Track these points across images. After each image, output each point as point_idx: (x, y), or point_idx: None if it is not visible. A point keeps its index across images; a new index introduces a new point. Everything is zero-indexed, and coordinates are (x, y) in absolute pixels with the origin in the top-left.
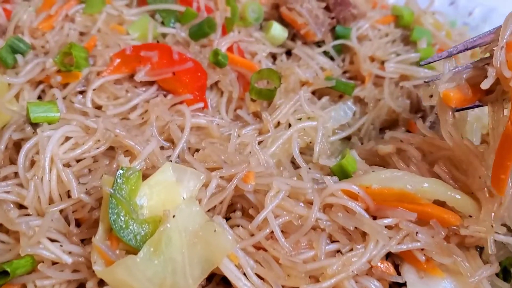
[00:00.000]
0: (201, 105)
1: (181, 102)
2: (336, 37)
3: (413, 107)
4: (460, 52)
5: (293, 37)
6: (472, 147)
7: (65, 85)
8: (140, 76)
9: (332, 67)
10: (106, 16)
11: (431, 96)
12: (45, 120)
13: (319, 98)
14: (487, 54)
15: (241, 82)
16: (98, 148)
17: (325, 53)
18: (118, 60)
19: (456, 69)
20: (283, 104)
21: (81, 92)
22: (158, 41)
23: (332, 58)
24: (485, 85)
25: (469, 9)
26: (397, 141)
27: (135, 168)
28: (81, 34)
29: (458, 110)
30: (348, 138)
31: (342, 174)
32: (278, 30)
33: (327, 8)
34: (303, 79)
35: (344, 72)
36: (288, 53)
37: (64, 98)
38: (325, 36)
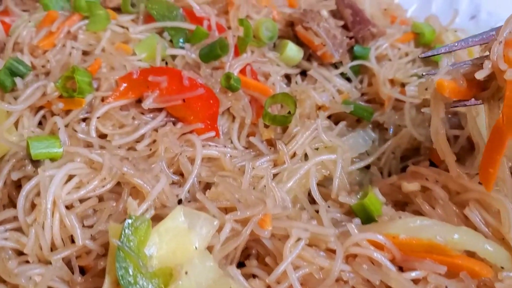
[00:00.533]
0: (212, 134)
1: (191, 131)
2: (354, 57)
3: None
4: (460, 49)
5: (308, 57)
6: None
7: (67, 111)
8: (148, 104)
9: (349, 89)
10: (111, 33)
11: (427, 89)
12: (47, 156)
13: (336, 122)
14: (487, 53)
15: (253, 106)
16: (104, 187)
17: (342, 74)
18: (124, 85)
19: (455, 64)
20: (299, 133)
21: (85, 119)
22: (166, 62)
23: (349, 79)
24: (479, 75)
25: (491, 24)
26: (421, 178)
27: (145, 217)
28: (84, 53)
29: (453, 107)
30: (367, 167)
31: (364, 214)
32: (293, 51)
33: (345, 27)
34: (319, 103)
35: (362, 95)
36: (303, 73)
37: (66, 125)
38: (343, 57)
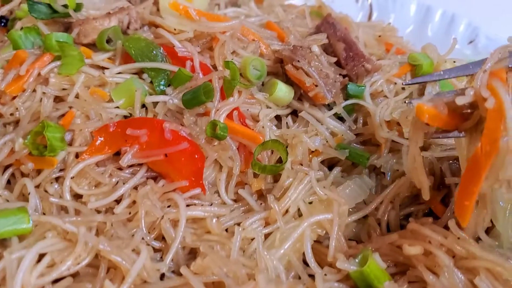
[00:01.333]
0: (197, 191)
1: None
2: (347, 95)
3: (435, 182)
4: (445, 78)
5: (299, 96)
6: None
7: (38, 170)
8: (126, 161)
9: (343, 131)
10: (86, 76)
11: (407, 117)
12: (15, 233)
13: (329, 164)
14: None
15: (242, 152)
16: (79, 264)
17: (335, 113)
18: (100, 139)
19: (440, 93)
20: (292, 187)
21: (58, 178)
22: (146, 108)
23: (342, 118)
24: (460, 100)
25: (490, 49)
26: (424, 239)
27: None
28: (57, 98)
29: (434, 137)
30: (364, 216)
31: (364, 283)
32: (283, 92)
33: (337, 62)
34: (312, 148)
35: (357, 135)
36: (294, 112)
37: (37, 186)
38: (336, 97)
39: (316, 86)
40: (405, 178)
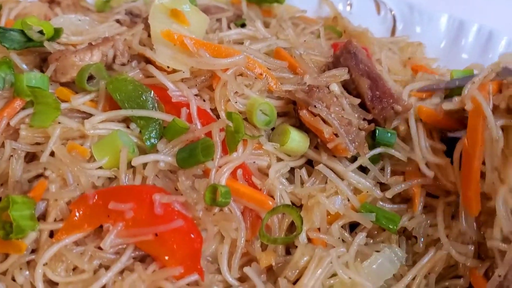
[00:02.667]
0: (194, 277)
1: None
2: (374, 141)
3: (476, 251)
4: (444, 88)
5: (316, 144)
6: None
7: (6, 254)
8: (108, 243)
9: (369, 188)
10: (63, 128)
11: None
12: None
13: (351, 224)
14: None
15: (247, 215)
16: None
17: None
18: (78, 213)
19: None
20: (309, 270)
21: (29, 262)
22: (133, 167)
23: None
24: (445, 106)
25: None
26: None
27: None
28: (29, 154)
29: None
30: None
31: None
32: (297, 142)
33: (361, 104)
34: (331, 211)
35: (381, 184)
36: (309, 161)
37: (4, 273)
38: (360, 148)
39: (337, 136)
40: (441, 253)
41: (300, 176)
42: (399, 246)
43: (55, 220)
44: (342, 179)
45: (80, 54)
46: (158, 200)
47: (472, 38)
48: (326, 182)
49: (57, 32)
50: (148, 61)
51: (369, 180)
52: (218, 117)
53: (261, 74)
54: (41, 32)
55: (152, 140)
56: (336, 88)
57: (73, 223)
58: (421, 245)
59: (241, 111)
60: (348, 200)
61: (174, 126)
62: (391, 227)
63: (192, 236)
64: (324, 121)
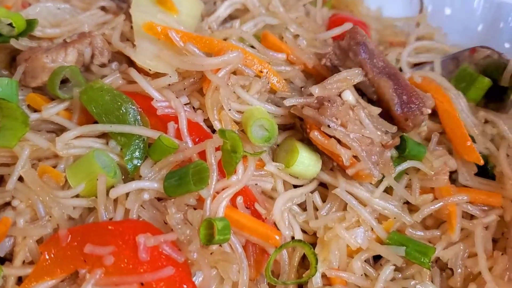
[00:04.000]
0: None
1: None
2: (398, 151)
3: None
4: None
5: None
6: None
7: None
8: None
9: (397, 214)
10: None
11: None
12: None
13: (374, 258)
14: None
15: (250, 250)
16: None
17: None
18: (50, 256)
19: None
20: None
21: None
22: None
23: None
24: None
25: None
26: None
27: None
28: None
29: None
30: None
31: None
32: (306, 166)
33: (383, 113)
34: (353, 247)
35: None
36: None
37: None
38: (386, 170)
39: (357, 159)
40: None
41: (313, 201)
42: (432, 281)
43: (23, 263)
44: (364, 205)
45: (53, 54)
46: (142, 243)
47: None
48: (344, 208)
49: (30, 25)
50: (131, 60)
51: (396, 203)
52: (213, 130)
53: (261, 72)
54: (11, 25)
55: (135, 162)
56: (350, 96)
57: (43, 268)
58: (458, 279)
59: (238, 121)
60: (372, 230)
61: (160, 145)
62: (424, 261)
63: (185, 287)
64: (339, 141)
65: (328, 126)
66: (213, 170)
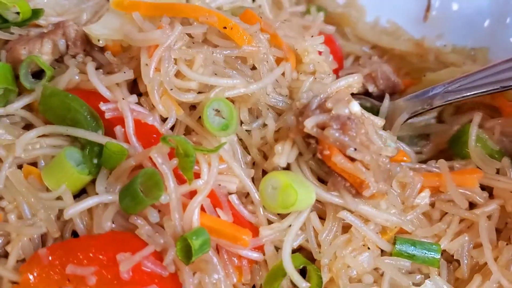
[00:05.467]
0: None
1: None
2: None
3: None
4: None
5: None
6: None
7: None
8: None
9: (398, 223)
10: None
11: None
12: None
13: None
14: None
15: (224, 256)
16: None
17: None
18: (33, 276)
19: None
20: None
21: None
22: None
23: None
24: None
25: None
26: None
27: None
28: None
29: None
30: None
31: None
32: (303, 202)
33: None
34: (361, 272)
35: None
36: None
37: None
38: (389, 182)
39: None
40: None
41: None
42: (439, 274)
43: (17, 262)
44: (366, 221)
45: (30, 45)
46: (123, 263)
47: None
48: (344, 227)
49: (36, 14)
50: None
51: (397, 214)
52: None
53: (224, 28)
54: (18, 12)
55: (95, 161)
56: (357, 108)
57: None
58: (465, 269)
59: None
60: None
61: (108, 155)
62: (433, 262)
63: None
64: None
65: (355, 149)
66: (168, 176)
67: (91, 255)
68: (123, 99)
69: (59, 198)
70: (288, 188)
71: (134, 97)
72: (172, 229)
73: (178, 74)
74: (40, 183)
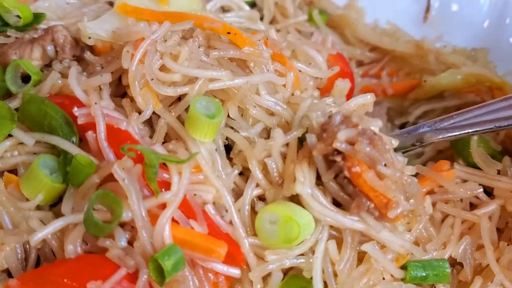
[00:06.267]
0: None
1: None
2: None
3: None
4: None
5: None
6: None
7: None
8: None
9: (409, 249)
10: None
11: None
12: None
13: None
14: None
15: (200, 272)
16: None
17: None
18: None
19: None
20: None
21: None
22: None
23: None
24: None
25: None
26: None
27: None
28: None
29: None
30: None
31: None
32: (305, 233)
33: None
34: None
35: None
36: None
37: None
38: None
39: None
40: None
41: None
42: None
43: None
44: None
45: (21, 49)
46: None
47: None
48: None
49: (37, 18)
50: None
51: (407, 237)
52: None
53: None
54: (19, 16)
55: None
56: (380, 123)
57: None
58: (468, 272)
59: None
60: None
61: (76, 168)
62: (444, 278)
63: None
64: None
65: (385, 165)
66: (130, 190)
67: (65, 281)
68: (95, 103)
69: (39, 207)
70: (289, 221)
71: (108, 102)
72: (141, 248)
73: (163, 68)
74: (19, 192)
